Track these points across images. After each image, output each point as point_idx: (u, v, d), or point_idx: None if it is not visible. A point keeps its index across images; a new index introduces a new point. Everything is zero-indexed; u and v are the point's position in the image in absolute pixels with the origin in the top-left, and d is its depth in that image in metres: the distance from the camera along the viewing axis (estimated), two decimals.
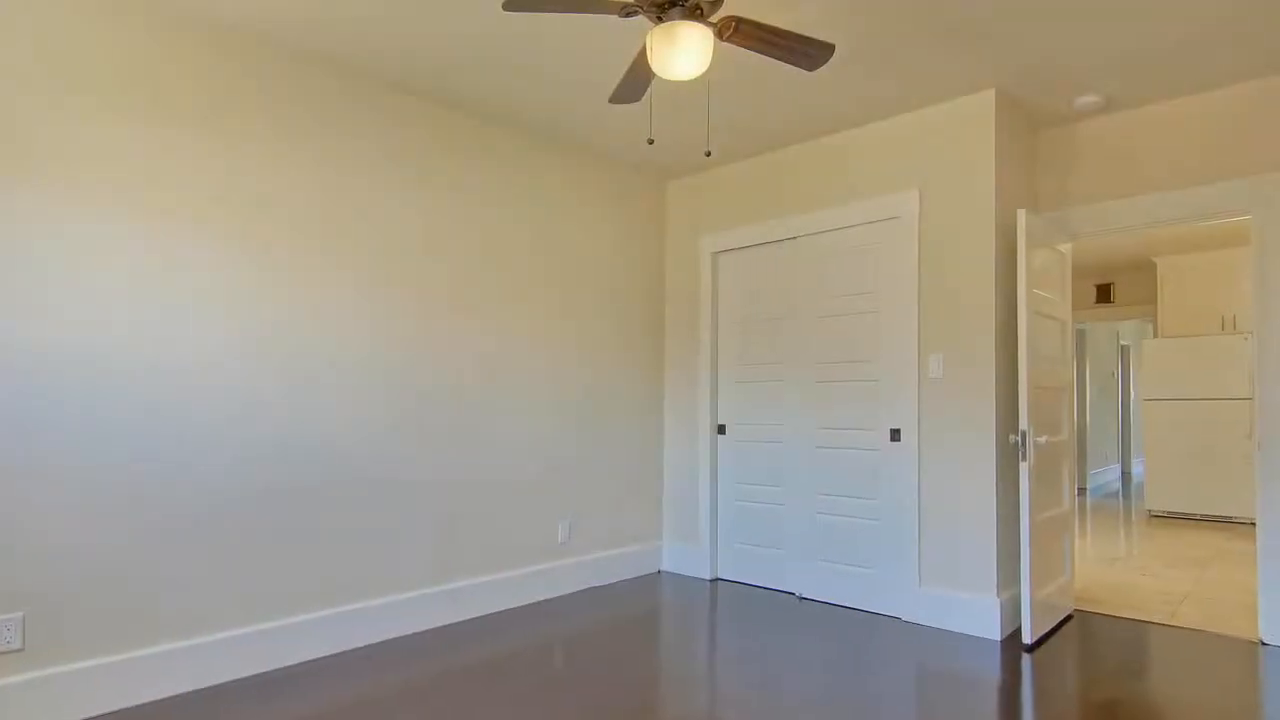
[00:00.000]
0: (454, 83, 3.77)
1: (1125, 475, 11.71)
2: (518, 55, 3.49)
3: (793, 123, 4.31)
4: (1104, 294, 8.96)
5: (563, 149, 4.68)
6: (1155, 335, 8.15)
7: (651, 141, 2.89)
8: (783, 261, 4.71)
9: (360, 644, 3.55)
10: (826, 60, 2.72)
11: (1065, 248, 4.25)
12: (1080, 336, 10.06)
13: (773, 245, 4.80)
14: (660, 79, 3.67)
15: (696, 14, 2.44)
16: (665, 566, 5.20)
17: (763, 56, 3.48)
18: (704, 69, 2.51)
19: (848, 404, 4.34)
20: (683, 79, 2.59)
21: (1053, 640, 3.68)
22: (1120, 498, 9.27)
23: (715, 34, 2.55)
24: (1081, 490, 9.72)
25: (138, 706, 2.85)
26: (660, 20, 2.45)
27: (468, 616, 4.00)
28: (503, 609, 4.16)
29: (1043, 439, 3.78)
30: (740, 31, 2.56)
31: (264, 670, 3.23)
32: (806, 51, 2.68)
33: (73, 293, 2.78)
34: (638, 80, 2.92)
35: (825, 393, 4.44)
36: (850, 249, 4.38)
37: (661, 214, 5.43)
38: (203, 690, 3.02)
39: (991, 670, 3.26)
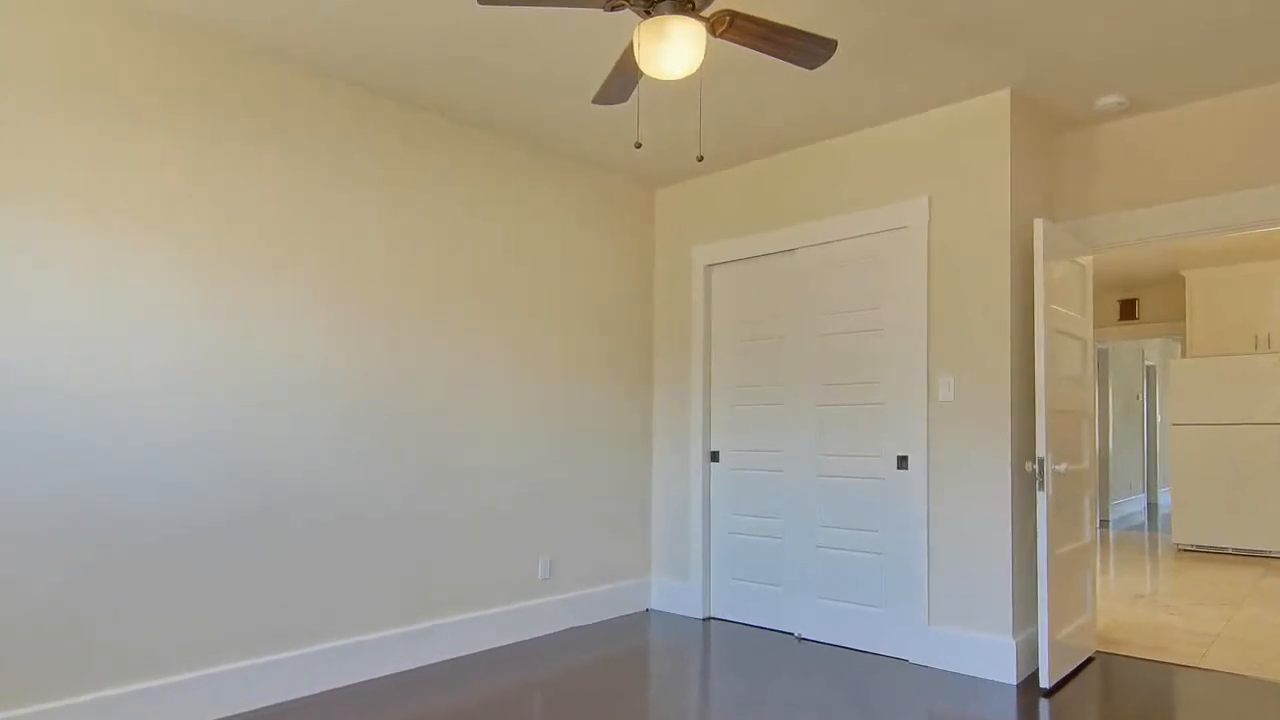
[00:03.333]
0: (424, 82, 3.78)
1: (1151, 506, 11.75)
2: (492, 53, 3.51)
3: (791, 125, 4.33)
4: (1128, 310, 9.03)
5: (544, 153, 4.69)
6: (1183, 355, 8.22)
7: (639, 145, 2.90)
8: (781, 275, 4.72)
9: (318, 689, 3.51)
10: (828, 57, 2.74)
11: (1086, 260, 4.28)
12: (1102, 356, 10.12)
13: (770, 258, 4.81)
14: (648, 78, 3.68)
15: (688, 8, 2.46)
16: (654, 604, 5.17)
17: (759, 54, 3.50)
18: (695, 67, 2.53)
19: (851, 429, 4.34)
20: (673, 78, 2.61)
21: (1073, 684, 3.67)
22: (1145, 530, 9.30)
23: (708, 29, 2.58)
24: (1104, 522, 9.74)
25: None
26: (648, 14, 2.47)
27: (439, 659, 3.96)
28: (477, 651, 4.12)
29: (1062, 467, 3.79)
30: (735, 26, 2.59)
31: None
32: (806, 48, 2.70)
33: (4, 305, 2.77)
34: (624, 79, 2.94)
35: (827, 417, 4.44)
36: (854, 261, 4.39)
37: (650, 223, 5.45)
38: None
39: (1007, 716, 3.25)
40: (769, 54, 2.73)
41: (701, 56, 2.50)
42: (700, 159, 2.96)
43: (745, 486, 4.87)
